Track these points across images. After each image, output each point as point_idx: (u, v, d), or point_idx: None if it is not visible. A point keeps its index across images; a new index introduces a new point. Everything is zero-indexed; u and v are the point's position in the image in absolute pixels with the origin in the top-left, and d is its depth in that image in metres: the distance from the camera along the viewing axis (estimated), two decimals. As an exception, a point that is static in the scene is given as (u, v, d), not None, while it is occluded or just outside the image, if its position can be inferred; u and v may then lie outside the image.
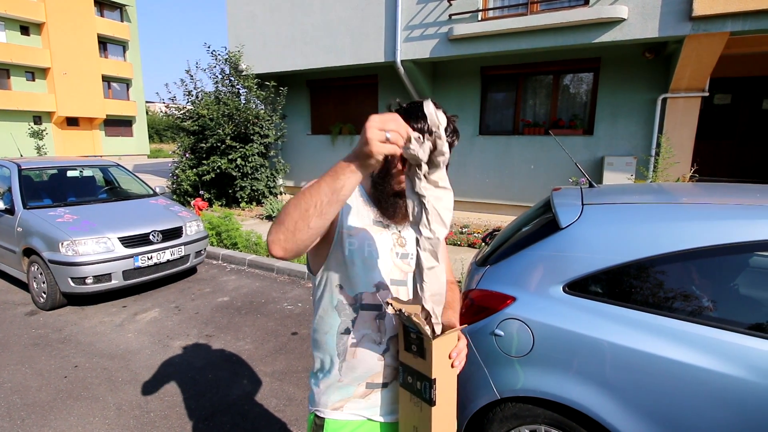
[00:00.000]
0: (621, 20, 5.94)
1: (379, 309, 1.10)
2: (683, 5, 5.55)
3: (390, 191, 1.09)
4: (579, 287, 1.65)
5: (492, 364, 1.76)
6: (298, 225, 0.85)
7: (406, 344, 1.04)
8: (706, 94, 6.22)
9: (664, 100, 6.48)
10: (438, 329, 0.98)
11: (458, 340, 1.04)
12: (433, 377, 0.96)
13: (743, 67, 7.32)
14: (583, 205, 1.81)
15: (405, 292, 1.13)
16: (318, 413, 1.16)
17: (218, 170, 8.79)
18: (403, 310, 0.96)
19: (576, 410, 1.61)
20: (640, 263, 1.59)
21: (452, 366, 1.02)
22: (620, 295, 1.60)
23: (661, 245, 1.56)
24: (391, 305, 0.97)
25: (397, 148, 0.80)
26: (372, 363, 1.10)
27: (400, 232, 1.16)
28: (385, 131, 0.78)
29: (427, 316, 0.98)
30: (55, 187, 5.28)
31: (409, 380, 1.05)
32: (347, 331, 1.11)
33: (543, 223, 1.91)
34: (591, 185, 2.19)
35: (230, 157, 8.74)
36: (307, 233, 0.86)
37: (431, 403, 0.97)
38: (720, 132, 7.89)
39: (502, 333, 1.73)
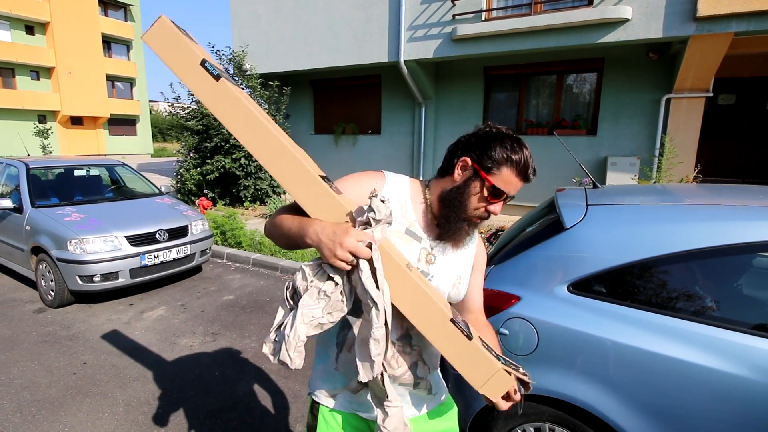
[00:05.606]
0: (625, 20, 5.94)
1: None
2: (687, 6, 5.55)
3: (462, 215, 1.05)
4: (583, 287, 1.68)
5: (497, 363, 1.78)
6: (272, 233, 1.10)
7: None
8: (710, 94, 6.21)
9: (668, 101, 6.47)
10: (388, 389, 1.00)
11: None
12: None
13: (748, 68, 7.30)
14: (587, 205, 1.83)
15: None
16: (315, 398, 1.19)
17: (222, 169, 8.82)
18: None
19: (580, 408, 1.63)
20: (643, 263, 1.61)
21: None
22: (624, 294, 1.62)
23: (665, 246, 1.58)
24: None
25: (345, 265, 0.89)
26: None
27: (432, 249, 1.10)
28: (346, 255, 0.87)
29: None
30: (62, 186, 5.33)
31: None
32: (350, 326, 1.11)
33: (547, 224, 1.93)
34: (595, 186, 2.21)
35: (234, 156, 8.77)
36: (276, 241, 1.10)
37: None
38: (724, 132, 7.87)
39: (506, 332, 1.75)
